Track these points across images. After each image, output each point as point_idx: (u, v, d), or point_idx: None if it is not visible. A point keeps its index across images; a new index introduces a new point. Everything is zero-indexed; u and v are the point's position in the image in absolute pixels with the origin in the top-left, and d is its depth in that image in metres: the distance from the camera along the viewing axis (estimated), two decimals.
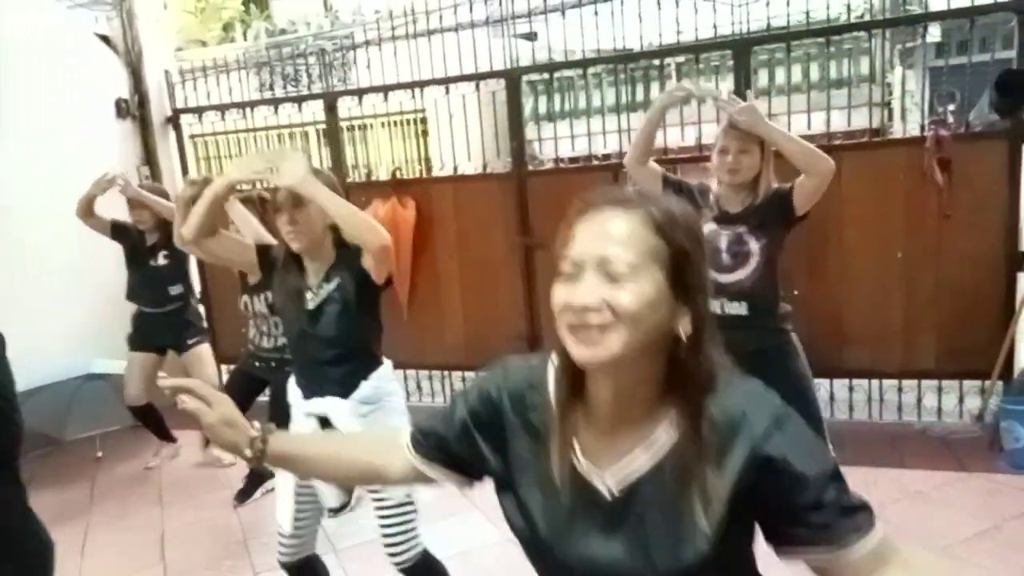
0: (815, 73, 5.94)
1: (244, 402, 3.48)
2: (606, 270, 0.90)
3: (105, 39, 4.87)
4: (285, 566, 2.26)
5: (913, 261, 3.66)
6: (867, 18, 6.21)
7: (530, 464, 1.03)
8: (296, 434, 1.15)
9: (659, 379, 0.96)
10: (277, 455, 1.16)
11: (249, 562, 3.08)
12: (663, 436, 0.96)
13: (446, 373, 4.70)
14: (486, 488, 3.25)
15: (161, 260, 3.86)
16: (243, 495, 3.59)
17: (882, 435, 3.71)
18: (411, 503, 2.16)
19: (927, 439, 3.61)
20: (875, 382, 3.85)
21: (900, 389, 3.79)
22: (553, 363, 1.03)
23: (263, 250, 2.28)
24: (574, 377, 0.98)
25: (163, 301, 3.91)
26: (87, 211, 3.76)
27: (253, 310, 3.28)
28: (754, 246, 2.53)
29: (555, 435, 1.00)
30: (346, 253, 2.12)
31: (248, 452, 1.14)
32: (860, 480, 3.19)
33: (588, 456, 0.99)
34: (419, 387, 4.77)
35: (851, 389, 3.86)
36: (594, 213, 0.94)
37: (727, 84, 5.87)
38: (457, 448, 1.11)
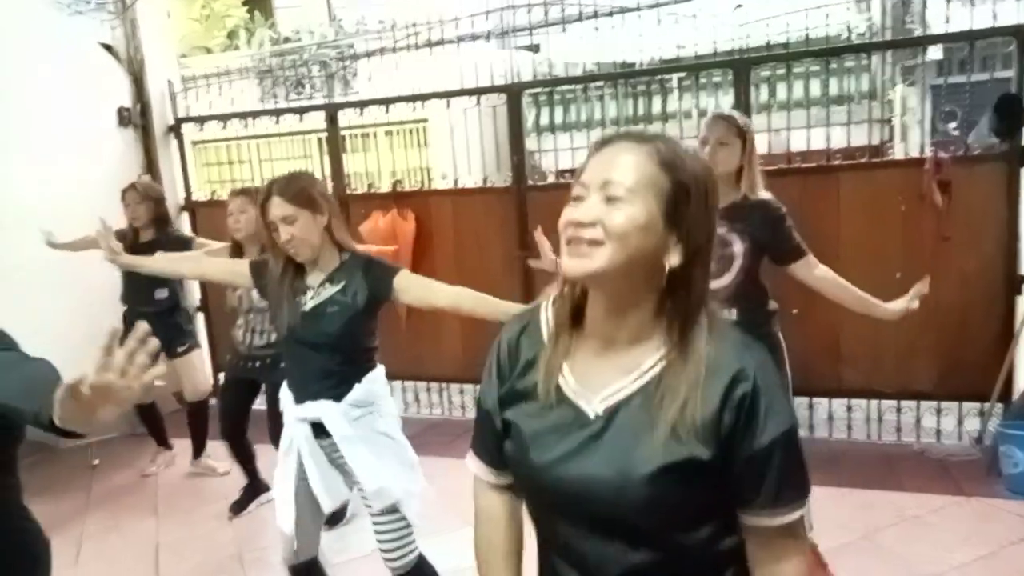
0: (816, 89, 5.97)
1: (242, 412, 3.49)
2: (606, 193, 0.97)
3: (108, 48, 4.88)
4: (290, 568, 2.27)
5: (911, 282, 3.61)
6: (868, 36, 6.24)
7: (526, 396, 1.08)
8: None
9: (650, 307, 1.02)
10: None
11: None
12: (650, 362, 1.02)
13: (444, 385, 4.70)
14: None
15: None
16: (238, 507, 3.57)
17: (880, 456, 3.70)
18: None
19: (925, 461, 3.61)
20: (873, 402, 3.85)
21: (899, 410, 3.78)
22: (548, 305, 1.12)
23: (255, 265, 2.28)
24: (573, 302, 1.06)
25: (149, 302, 3.87)
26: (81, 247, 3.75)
27: (251, 303, 3.28)
28: (738, 248, 2.47)
29: (544, 355, 1.07)
30: (360, 263, 2.14)
31: None
32: (857, 502, 3.19)
33: (578, 378, 1.05)
34: (416, 399, 4.77)
35: (849, 409, 3.85)
36: (609, 145, 1.01)
37: (728, 99, 5.90)
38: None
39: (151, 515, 3.68)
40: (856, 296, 2.59)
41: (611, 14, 5.44)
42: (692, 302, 1.00)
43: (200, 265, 2.72)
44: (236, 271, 2.37)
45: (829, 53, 3.88)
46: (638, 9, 5.39)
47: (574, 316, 1.07)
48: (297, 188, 2.08)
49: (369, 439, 2.16)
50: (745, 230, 2.48)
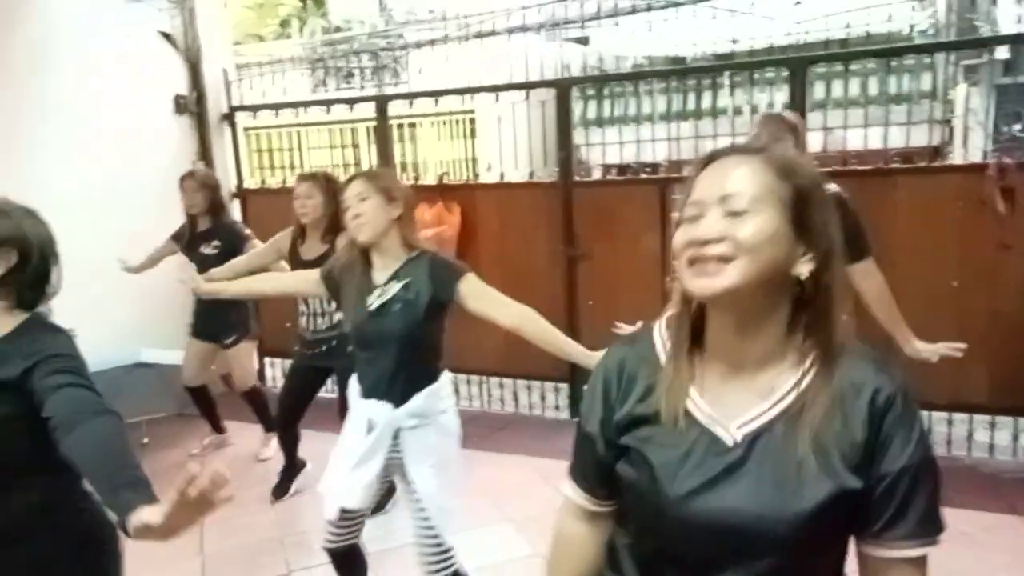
0: (873, 87, 5.80)
1: (303, 402, 3.51)
2: (727, 207, 0.93)
3: (167, 36, 4.99)
4: (330, 552, 2.29)
5: (968, 290, 3.54)
6: (931, 32, 6.03)
7: (649, 421, 1.03)
8: None
9: (783, 323, 0.97)
10: None
11: (283, 558, 3.14)
12: (788, 384, 0.97)
13: (484, 378, 4.72)
14: (519, 499, 3.28)
15: (210, 249, 3.94)
16: (280, 491, 3.65)
17: None
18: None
19: (976, 476, 3.50)
20: (924, 413, 3.73)
21: (950, 422, 3.67)
22: (660, 327, 1.07)
23: (327, 274, 2.31)
24: (692, 323, 1.01)
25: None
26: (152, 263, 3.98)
27: None
28: None
29: (665, 379, 1.02)
30: (425, 261, 2.14)
31: None
32: None
33: (709, 403, 0.99)
34: (456, 391, 4.76)
35: None
36: (716, 163, 0.98)
37: (782, 96, 5.77)
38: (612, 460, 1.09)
39: None
40: (893, 318, 2.50)
41: (665, 7, 5.36)
42: (829, 316, 0.95)
43: (279, 283, 2.76)
44: (310, 280, 2.38)
45: (890, 54, 3.75)
46: (693, 2, 5.29)
47: (693, 337, 1.02)
48: (378, 175, 2.20)
49: (418, 452, 2.14)
50: None
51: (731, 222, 0.93)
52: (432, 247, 2.27)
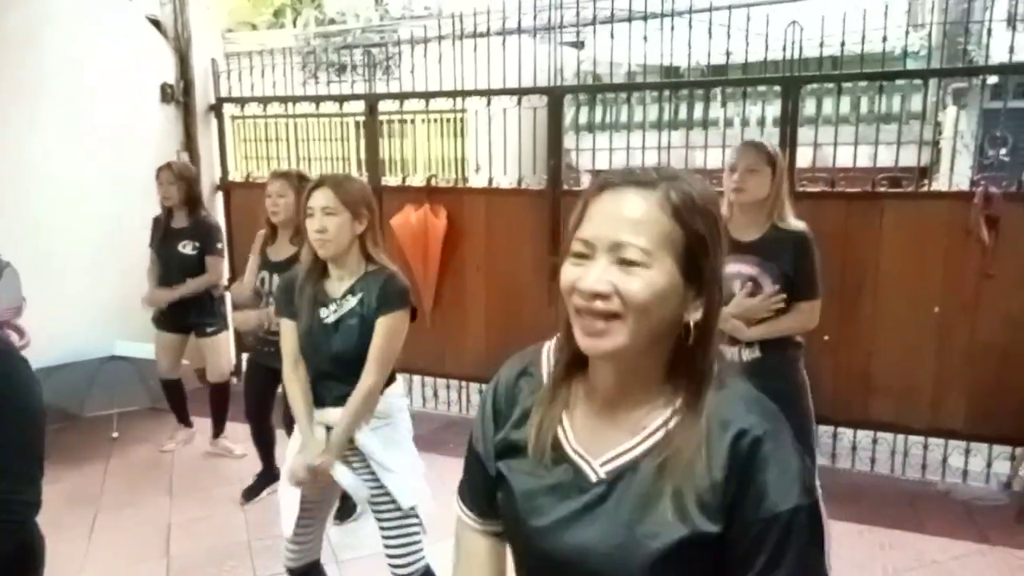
0: (865, 106, 5.81)
1: (265, 396, 3.50)
2: (618, 255, 0.87)
3: (156, 23, 4.91)
4: (291, 571, 2.28)
5: (949, 317, 3.55)
6: (923, 54, 6.05)
7: (520, 450, 1.00)
8: None
9: (663, 364, 0.94)
10: None
11: (251, 564, 3.09)
12: (657, 422, 0.93)
13: (463, 383, 4.68)
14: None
15: (189, 249, 3.87)
16: (250, 493, 3.60)
17: (902, 493, 3.61)
18: (415, 516, 2.17)
19: (949, 502, 3.51)
20: (900, 436, 3.75)
21: (926, 446, 3.68)
22: (549, 350, 1.03)
23: (282, 296, 2.24)
24: (574, 355, 0.96)
25: (183, 283, 3.93)
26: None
27: (271, 288, 3.28)
28: (768, 289, 2.43)
29: (540, 408, 0.98)
30: (381, 279, 2.12)
31: None
32: (875, 541, 3.12)
33: (579, 438, 0.97)
34: (435, 395, 4.76)
35: (875, 441, 3.76)
36: (610, 192, 0.91)
37: (773, 109, 5.77)
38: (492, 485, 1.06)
39: (165, 493, 3.72)
40: (768, 327, 2.45)
41: (662, 17, 5.34)
42: (706, 355, 0.92)
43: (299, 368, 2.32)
44: (291, 332, 2.22)
45: (882, 77, 3.75)
46: (690, 13, 5.28)
47: (578, 364, 0.98)
48: (348, 188, 2.11)
49: (387, 450, 2.18)
50: (776, 268, 2.43)
51: (621, 274, 0.87)
52: (394, 266, 2.21)
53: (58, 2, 4.36)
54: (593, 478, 0.94)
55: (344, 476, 2.15)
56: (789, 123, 3.79)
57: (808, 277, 2.45)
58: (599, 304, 0.87)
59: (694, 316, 0.90)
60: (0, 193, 4.04)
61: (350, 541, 3.19)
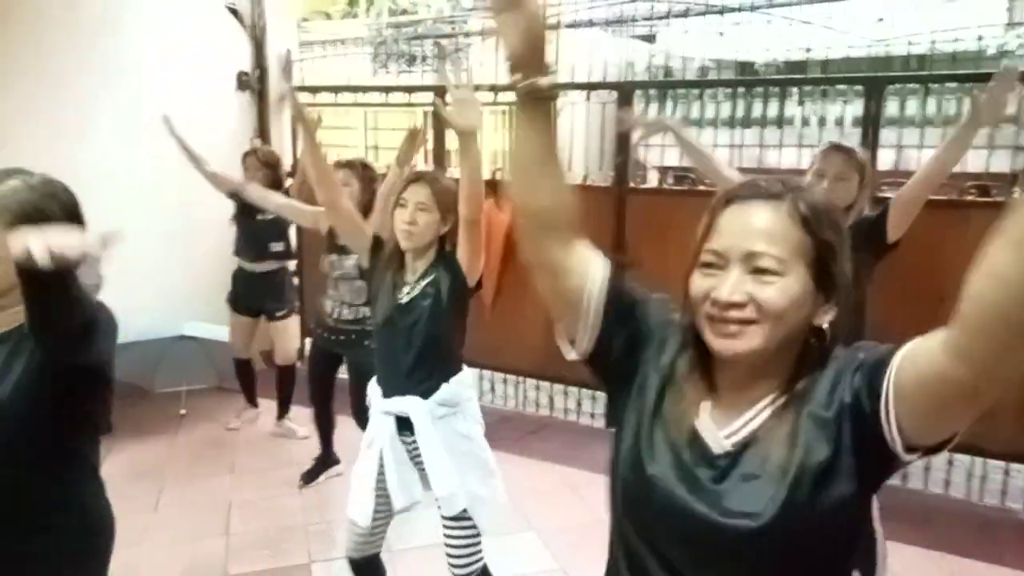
0: (953, 107, 5.52)
1: (327, 381, 3.56)
2: (753, 265, 0.90)
3: (234, 12, 5.02)
4: (352, 561, 2.31)
5: None
6: (1021, 53, 5.71)
7: (653, 402, 1.02)
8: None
9: (791, 360, 0.96)
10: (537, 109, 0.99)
11: (306, 548, 3.14)
12: (774, 395, 0.96)
13: (521, 379, 4.66)
14: (546, 509, 3.22)
15: (267, 214, 3.98)
16: (309, 476, 3.66)
17: (979, 520, 3.41)
18: (469, 517, 2.17)
19: None
20: (978, 459, 3.55)
21: (1007, 472, 3.47)
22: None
23: (378, 240, 2.30)
24: (699, 354, 0.99)
25: (263, 256, 4.06)
26: (218, 182, 3.94)
27: (341, 271, 3.33)
28: None
29: (687, 391, 1.00)
30: (447, 257, 2.17)
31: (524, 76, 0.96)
32: (947, 570, 2.97)
33: (709, 413, 0.99)
34: (492, 389, 4.75)
35: (950, 462, 3.57)
36: (738, 204, 0.95)
37: (853, 109, 5.53)
38: (626, 327, 1.06)
39: (228, 471, 3.82)
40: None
41: (739, 11, 5.18)
42: (831, 354, 0.96)
43: (342, 199, 2.37)
44: (361, 229, 2.33)
45: (976, 79, 3.53)
46: (769, 6, 5.11)
47: (704, 357, 0.99)
48: (444, 188, 2.14)
49: (450, 441, 2.17)
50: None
51: (756, 283, 0.90)
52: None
53: None
54: (716, 451, 0.96)
55: (392, 479, 2.16)
56: (871, 124, 3.61)
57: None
58: (734, 313, 0.91)
59: (824, 319, 0.94)
60: (83, 176, 4.19)
61: (404, 531, 3.20)
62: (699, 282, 0.94)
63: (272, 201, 3.57)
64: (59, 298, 1.21)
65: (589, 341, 1.05)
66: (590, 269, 1.05)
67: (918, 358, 0.86)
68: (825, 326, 0.94)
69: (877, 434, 0.88)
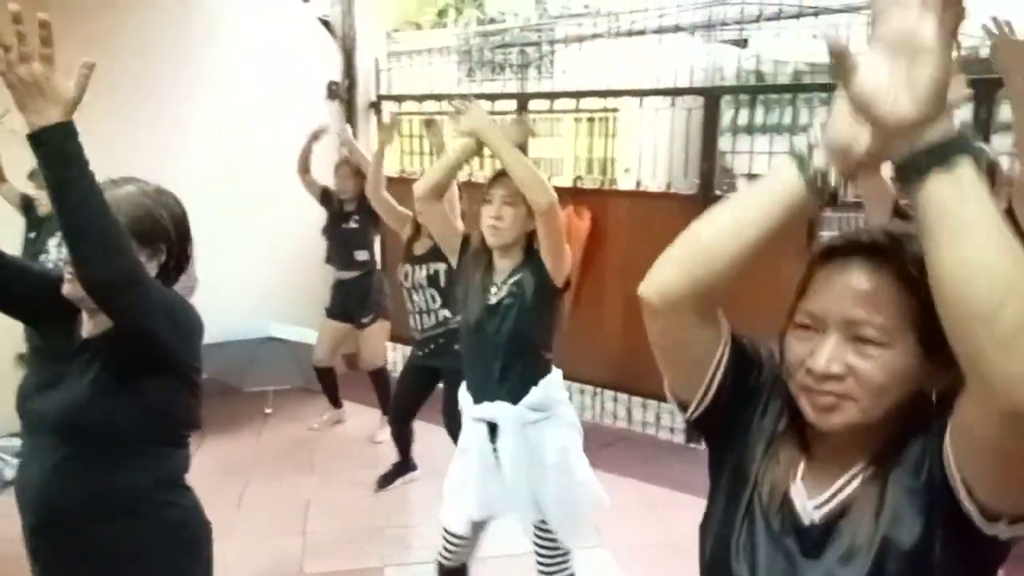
0: None
1: (416, 402, 3.53)
2: (853, 333, 0.81)
3: (326, 23, 5.18)
4: (442, 567, 2.30)
5: None
6: None
7: (752, 464, 0.95)
8: None
9: (894, 429, 0.85)
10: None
11: (380, 550, 3.17)
12: (867, 460, 0.87)
13: (597, 390, 4.59)
14: (620, 525, 3.11)
15: (352, 223, 4.09)
16: (384, 481, 3.70)
17: None
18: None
19: None
20: None
21: None
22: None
23: (467, 239, 2.30)
24: (798, 412, 0.89)
25: (350, 265, 4.15)
26: (305, 167, 4.08)
27: (413, 281, 3.35)
28: None
29: (782, 457, 0.93)
30: (534, 257, 2.14)
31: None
32: None
33: (801, 476, 0.91)
34: (569, 399, 4.68)
35: None
36: (839, 261, 0.84)
37: (962, 114, 5.19)
38: (739, 392, 0.96)
39: (309, 471, 3.91)
40: None
41: (836, 11, 4.96)
42: (940, 421, 0.81)
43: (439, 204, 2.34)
44: (454, 228, 2.32)
45: None
46: (867, 7, 4.86)
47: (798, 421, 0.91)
48: None
49: (541, 452, 2.11)
50: None
51: (856, 354, 0.80)
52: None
53: (237, 4, 4.69)
54: (807, 521, 0.88)
55: (478, 487, 2.15)
56: (981, 129, 3.38)
57: None
58: (830, 386, 0.82)
59: (936, 386, 0.83)
60: (181, 185, 4.42)
61: (488, 539, 3.19)
62: (795, 346, 0.86)
63: (377, 192, 3.55)
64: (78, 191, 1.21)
65: (703, 411, 0.97)
66: (719, 344, 0.95)
67: (960, 402, 0.76)
68: (935, 393, 0.84)
69: (955, 502, 0.77)
